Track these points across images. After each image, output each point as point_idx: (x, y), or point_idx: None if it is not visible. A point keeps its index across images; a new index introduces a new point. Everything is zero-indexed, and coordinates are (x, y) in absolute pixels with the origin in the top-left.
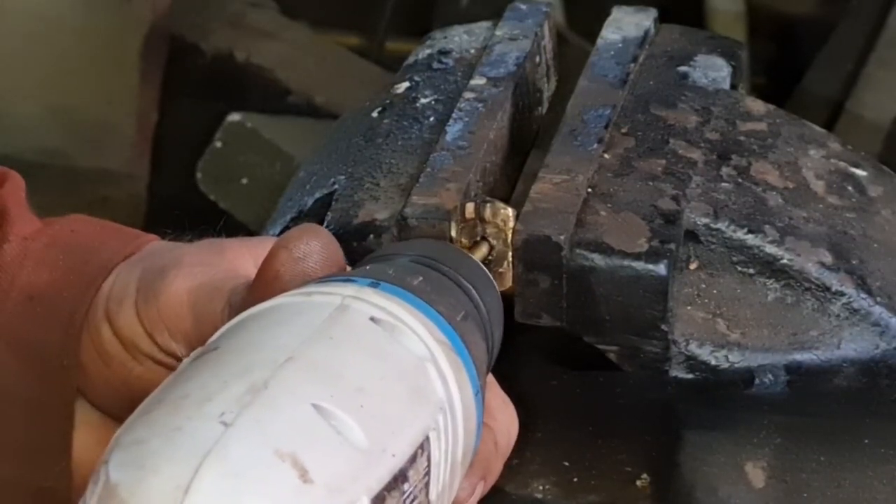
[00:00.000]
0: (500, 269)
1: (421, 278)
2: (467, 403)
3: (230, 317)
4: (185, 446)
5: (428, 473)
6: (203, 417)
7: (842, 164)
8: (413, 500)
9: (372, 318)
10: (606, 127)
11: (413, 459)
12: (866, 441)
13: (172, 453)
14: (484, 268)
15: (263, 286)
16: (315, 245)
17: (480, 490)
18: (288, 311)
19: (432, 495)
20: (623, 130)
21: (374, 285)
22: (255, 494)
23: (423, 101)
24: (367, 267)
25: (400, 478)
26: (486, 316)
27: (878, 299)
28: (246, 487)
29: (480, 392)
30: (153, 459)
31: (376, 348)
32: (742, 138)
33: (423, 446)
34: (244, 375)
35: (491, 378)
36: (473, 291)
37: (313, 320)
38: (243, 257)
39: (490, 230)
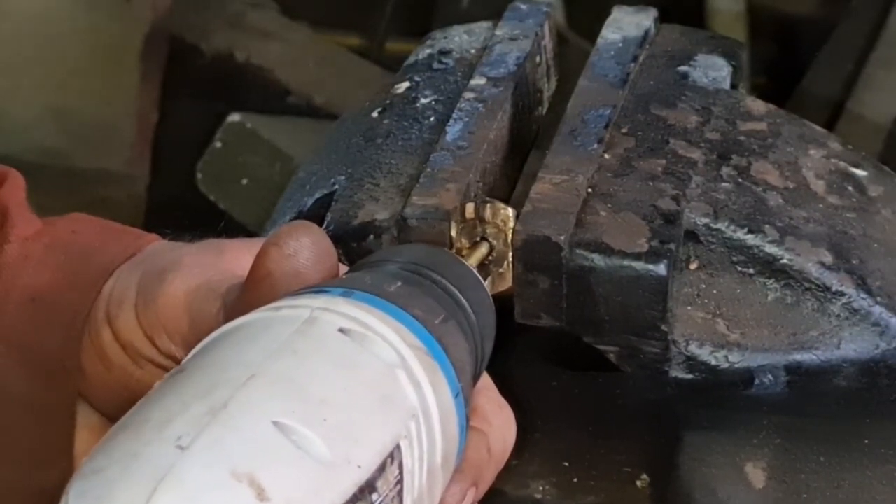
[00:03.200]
0: (500, 270)
1: (399, 283)
2: (445, 407)
3: (225, 318)
4: (140, 473)
5: (400, 482)
6: (160, 442)
7: (842, 163)
8: None
9: (341, 329)
10: (606, 127)
11: (382, 469)
12: (866, 441)
13: (128, 480)
14: (475, 272)
15: (255, 285)
16: (306, 241)
17: (472, 497)
18: (256, 327)
19: (407, 502)
20: (623, 130)
21: (347, 294)
22: None
23: (423, 101)
24: (344, 276)
25: (367, 489)
26: (474, 319)
27: (878, 299)
28: None
29: (461, 394)
30: (109, 488)
31: (343, 359)
32: (742, 138)
33: (394, 455)
34: (205, 396)
35: (488, 381)
36: (459, 295)
37: (280, 335)
38: (243, 258)
39: (490, 230)
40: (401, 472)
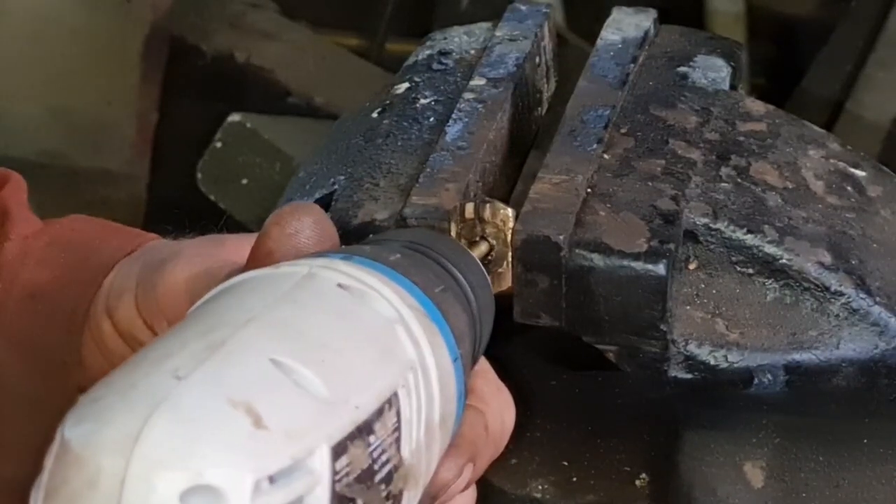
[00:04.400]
0: (500, 269)
1: (399, 255)
2: (444, 367)
3: None
4: (137, 399)
5: (398, 429)
6: (158, 373)
7: (841, 164)
8: (382, 454)
9: (339, 285)
10: (606, 127)
11: (379, 413)
12: (865, 441)
13: (124, 406)
14: (473, 255)
15: (256, 264)
16: (307, 221)
17: (469, 473)
18: (255, 281)
19: (405, 452)
20: (622, 131)
21: (346, 258)
22: (208, 440)
23: (422, 101)
24: (344, 246)
25: (364, 429)
26: (472, 298)
27: (878, 299)
28: (197, 433)
29: (460, 360)
30: (106, 413)
31: (342, 310)
32: (741, 139)
33: (391, 402)
34: (204, 336)
35: (486, 365)
36: (458, 273)
37: (280, 287)
38: (242, 248)
39: (489, 230)
40: (399, 421)
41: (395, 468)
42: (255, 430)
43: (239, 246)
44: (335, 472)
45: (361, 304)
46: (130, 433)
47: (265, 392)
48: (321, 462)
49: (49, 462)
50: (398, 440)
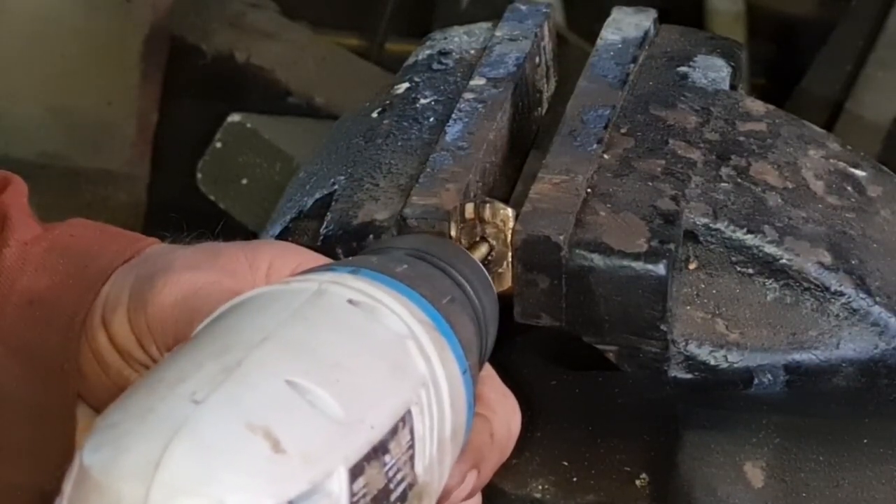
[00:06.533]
0: (500, 270)
1: (405, 266)
2: (454, 381)
3: None
4: (156, 425)
5: (412, 447)
6: (175, 397)
7: (841, 164)
8: (397, 473)
9: (350, 301)
10: (606, 127)
11: (394, 432)
12: (865, 441)
13: (144, 432)
14: (477, 261)
15: None
16: None
17: (473, 479)
18: (265, 298)
19: (419, 469)
20: (623, 131)
21: (354, 272)
22: (227, 466)
23: (422, 101)
24: (350, 258)
25: (380, 449)
26: (478, 304)
27: (878, 299)
28: (217, 459)
29: (469, 371)
30: (125, 439)
31: (353, 327)
32: (741, 139)
33: (405, 419)
34: (219, 357)
35: (491, 371)
36: (464, 281)
37: (290, 304)
38: (238, 260)
39: (489, 230)
40: (412, 438)
41: (410, 486)
42: (274, 455)
43: (234, 257)
44: (353, 494)
45: (372, 320)
46: (151, 460)
47: (282, 415)
48: (339, 485)
49: (68, 488)
50: (412, 458)
